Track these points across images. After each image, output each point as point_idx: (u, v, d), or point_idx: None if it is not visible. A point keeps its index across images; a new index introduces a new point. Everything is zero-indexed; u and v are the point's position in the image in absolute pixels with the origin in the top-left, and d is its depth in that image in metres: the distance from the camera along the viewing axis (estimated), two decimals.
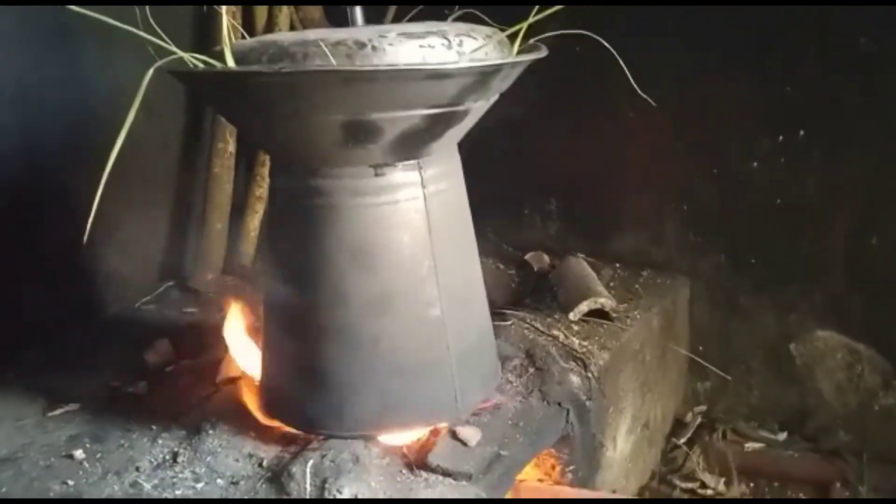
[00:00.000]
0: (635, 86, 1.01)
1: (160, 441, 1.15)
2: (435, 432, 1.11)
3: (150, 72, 0.86)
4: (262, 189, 1.87)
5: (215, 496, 1.02)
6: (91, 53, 1.55)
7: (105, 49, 1.55)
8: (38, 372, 1.39)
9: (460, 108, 0.97)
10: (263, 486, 1.03)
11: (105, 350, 1.48)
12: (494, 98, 1.04)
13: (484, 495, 1.02)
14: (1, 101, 1.40)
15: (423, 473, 1.04)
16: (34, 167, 1.48)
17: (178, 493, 1.03)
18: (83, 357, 1.46)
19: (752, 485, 1.68)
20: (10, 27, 1.40)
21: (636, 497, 1.61)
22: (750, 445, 1.72)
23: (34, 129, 1.47)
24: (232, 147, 1.81)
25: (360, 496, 0.98)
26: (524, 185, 1.93)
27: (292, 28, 1.77)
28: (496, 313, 1.45)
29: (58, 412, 1.26)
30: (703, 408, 1.84)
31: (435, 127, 0.97)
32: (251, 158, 1.87)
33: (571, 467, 1.31)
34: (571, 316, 1.50)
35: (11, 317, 1.43)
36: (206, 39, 1.70)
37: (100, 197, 0.91)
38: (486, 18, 1.04)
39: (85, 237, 0.93)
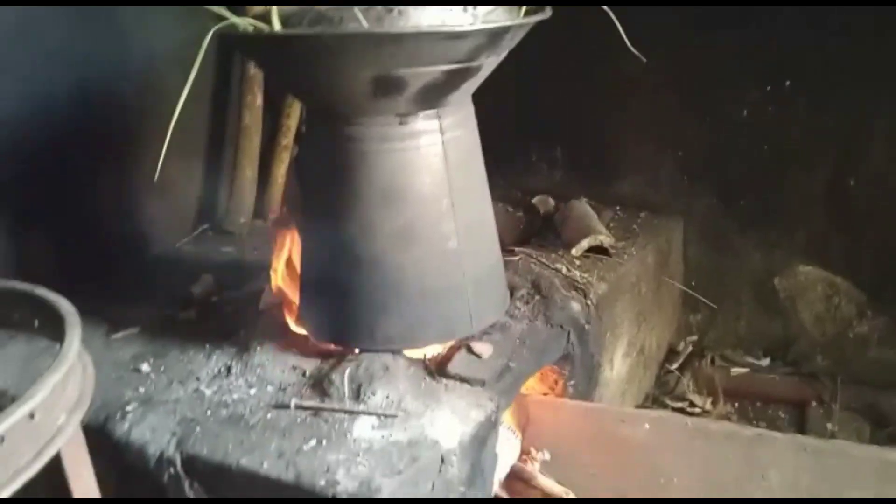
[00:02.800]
0: (628, 43, 1.13)
1: (214, 357, 1.31)
2: (453, 347, 1.28)
3: (209, 35, 1.01)
4: (287, 139, 2.01)
5: (266, 399, 1.19)
6: (129, 12, 1.67)
7: (142, 9, 1.67)
8: (95, 303, 1.50)
9: (474, 63, 1.11)
10: (308, 390, 1.20)
11: (154, 284, 1.65)
12: (504, 54, 1.18)
13: (496, 398, 1.19)
14: (54, 58, 1.53)
15: (444, 380, 1.21)
16: (83, 119, 1.61)
17: (235, 397, 1.20)
18: (135, 290, 1.61)
19: (736, 405, 1.85)
20: None
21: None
22: (736, 370, 1.89)
23: (82, 84, 1.59)
24: (259, 100, 1.94)
25: (390, 397, 1.15)
26: (531, 134, 2.07)
27: None
28: (506, 251, 1.61)
29: (120, 335, 1.43)
30: (694, 337, 2.01)
31: (452, 80, 1.11)
32: (277, 111, 2.00)
33: (572, 382, 1.48)
34: (573, 251, 1.65)
35: (65, 255, 1.59)
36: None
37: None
38: None
39: (156, 176, 1.08)
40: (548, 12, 1.14)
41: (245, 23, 1.02)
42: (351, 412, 1.13)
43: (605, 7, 1.11)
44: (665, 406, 1.83)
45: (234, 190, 1.97)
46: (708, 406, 1.80)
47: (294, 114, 1.99)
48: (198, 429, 1.12)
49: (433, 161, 1.19)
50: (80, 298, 1.54)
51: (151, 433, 1.13)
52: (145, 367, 1.30)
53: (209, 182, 1.98)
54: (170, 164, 1.85)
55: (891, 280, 1.76)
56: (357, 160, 1.17)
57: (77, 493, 0.85)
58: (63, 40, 1.54)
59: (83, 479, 0.87)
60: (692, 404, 1.81)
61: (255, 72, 1.91)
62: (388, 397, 1.15)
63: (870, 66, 1.64)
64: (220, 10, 1.02)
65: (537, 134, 2.07)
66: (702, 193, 1.90)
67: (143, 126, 1.69)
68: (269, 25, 1.04)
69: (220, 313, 1.49)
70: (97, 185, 1.66)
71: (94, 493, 0.89)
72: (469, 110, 1.26)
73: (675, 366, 1.91)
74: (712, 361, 1.92)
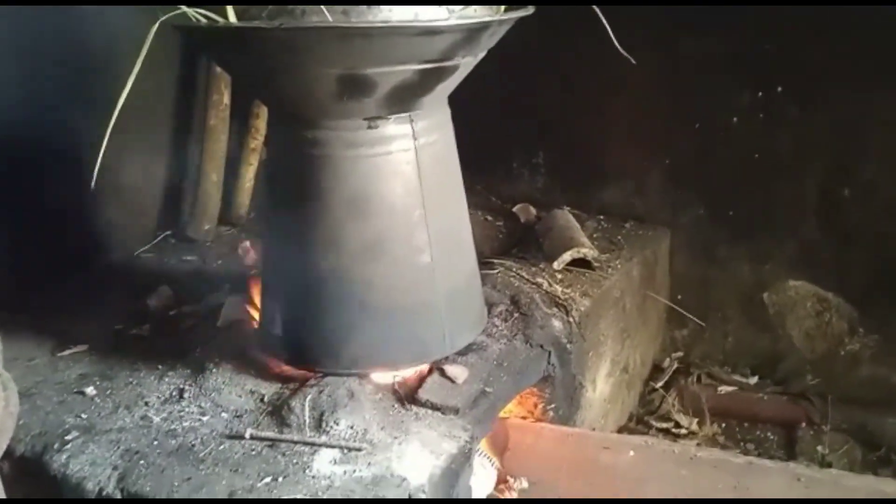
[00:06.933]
0: (617, 44, 1.05)
1: (166, 379, 1.22)
2: (425, 370, 1.19)
3: (155, 26, 0.91)
4: (256, 141, 1.92)
5: (220, 428, 1.09)
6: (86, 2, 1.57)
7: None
8: (44, 315, 1.45)
9: (450, 63, 1.02)
10: (265, 418, 1.10)
11: (108, 295, 1.55)
12: (483, 54, 1.09)
13: (470, 427, 1.09)
14: (1, 50, 1.43)
15: (414, 408, 1.12)
16: (34, 118, 1.51)
17: (186, 425, 1.10)
18: (87, 302, 1.52)
19: (723, 425, 1.78)
20: None
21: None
22: (723, 388, 1.82)
23: (33, 79, 1.50)
24: (227, 99, 1.84)
25: (355, 427, 1.06)
26: (512, 139, 1.99)
27: None
28: (484, 263, 1.52)
29: (66, 353, 1.33)
30: (680, 354, 1.93)
31: (426, 81, 1.02)
32: (245, 111, 1.91)
33: (552, 405, 1.39)
34: (555, 265, 1.57)
35: (17, 263, 1.49)
36: None
37: (99, 148, 0.96)
38: None
39: (93, 183, 0.98)
40: (530, 9, 1.06)
41: (195, 13, 0.92)
42: (311, 444, 1.03)
43: (594, 7, 1.02)
44: (650, 427, 1.75)
45: (198, 195, 1.87)
46: (694, 427, 1.73)
47: (263, 114, 1.89)
48: (142, 462, 1.02)
49: (405, 168, 1.10)
50: (28, 309, 1.48)
51: (91, 467, 1.03)
52: (90, 390, 1.20)
53: (172, 186, 1.88)
54: (130, 167, 1.80)
55: (884, 296, 1.69)
56: (322, 167, 1.08)
57: None
58: (11, 31, 1.44)
59: None
60: (678, 425, 1.73)
61: (222, 70, 1.81)
62: (352, 427, 1.06)
63: (865, 73, 1.57)
64: None
65: (519, 139, 1.99)
66: (689, 203, 1.83)
67: (101, 124, 1.59)
68: (223, 17, 0.94)
69: (176, 329, 1.40)
70: (49, 188, 1.56)
71: None
72: (445, 114, 1.17)
73: (660, 384, 1.83)
74: (698, 379, 1.84)
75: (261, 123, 1.90)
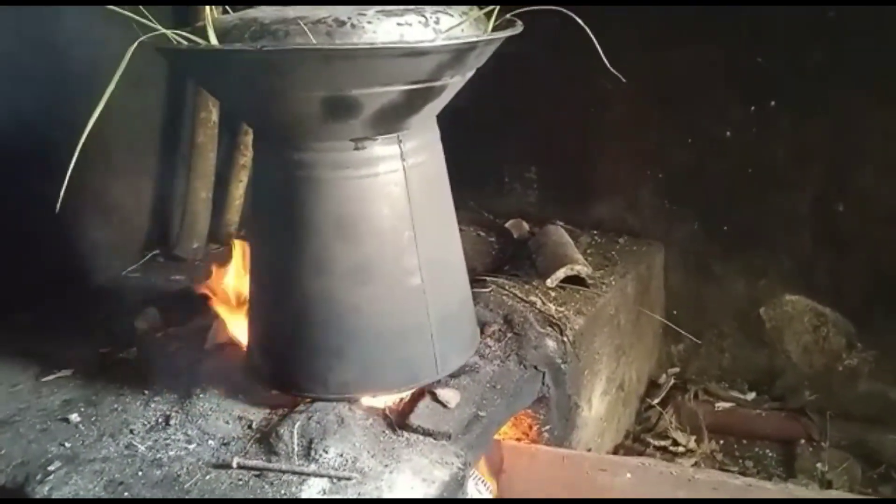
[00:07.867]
0: (606, 61, 1.03)
1: (152, 404, 1.19)
2: (416, 395, 1.16)
3: (133, 47, 0.89)
4: (245, 158, 1.89)
5: (206, 457, 1.06)
6: (70, 19, 1.54)
7: (84, 15, 1.54)
8: (29, 338, 1.42)
9: (437, 83, 1.00)
10: (253, 446, 1.07)
11: (94, 317, 1.52)
12: (471, 73, 1.07)
13: (463, 454, 1.07)
14: None
15: (405, 433, 1.09)
16: (18, 135, 1.49)
17: (172, 454, 1.07)
18: (73, 324, 1.48)
19: (721, 442, 1.75)
20: None
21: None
22: (720, 405, 1.80)
23: (15, 95, 1.47)
24: (215, 116, 1.82)
25: (344, 455, 1.03)
26: (505, 153, 1.97)
27: None
28: (476, 280, 1.50)
29: (51, 377, 1.30)
30: (676, 369, 1.91)
31: (413, 102, 1.01)
32: (234, 127, 1.89)
33: (547, 427, 1.37)
34: (549, 282, 1.55)
35: (0, 284, 1.46)
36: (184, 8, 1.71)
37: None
38: None
39: (58, 204, 0.96)
40: (518, 27, 1.04)
41: (175, 35, 0.90)
42: (300, 473, 1.00)
43: (579, 20, 1.00)
44: (647, 444, 1.72)
45: (186, 212, 1.84)
46: (692, 444, 1.70)
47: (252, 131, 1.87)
48: (126, 494, 1.00)
49: (393, 190, 1.08)
50: (13, 332, 1.45)
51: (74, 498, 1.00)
52: (74, 417, 1.18)
53: (160, 204, 1.86)
54: (117, 186, 1.77)
55: (881, 310, 1.68)
56: (308, 189, 1.06)
57: None
58: None
59: None
60: (675, 442, 1.71)
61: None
62: (342, 455, 1.03)
63: (859, 86, 1.56)
64: (142, 19, 0.90)
65: (511, 153, 1.97)
66: (683, 218, 1.81)
67: (86, 143, 1.57)
68: (204, 39, 0.92)
69: (163, 352, 1.37)
70: (34, 207, 1.52)
71: None
72: (434, 133, 1.15)
73: (656, 400, 1.81)
74: (695, 396, 1.82)
75: (250, 140, 1.87)
